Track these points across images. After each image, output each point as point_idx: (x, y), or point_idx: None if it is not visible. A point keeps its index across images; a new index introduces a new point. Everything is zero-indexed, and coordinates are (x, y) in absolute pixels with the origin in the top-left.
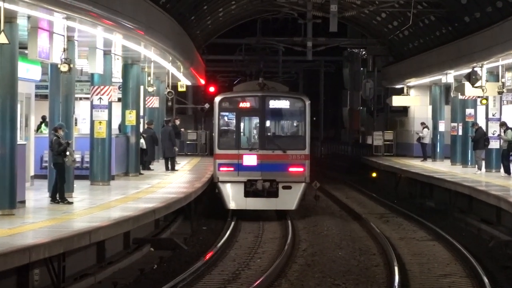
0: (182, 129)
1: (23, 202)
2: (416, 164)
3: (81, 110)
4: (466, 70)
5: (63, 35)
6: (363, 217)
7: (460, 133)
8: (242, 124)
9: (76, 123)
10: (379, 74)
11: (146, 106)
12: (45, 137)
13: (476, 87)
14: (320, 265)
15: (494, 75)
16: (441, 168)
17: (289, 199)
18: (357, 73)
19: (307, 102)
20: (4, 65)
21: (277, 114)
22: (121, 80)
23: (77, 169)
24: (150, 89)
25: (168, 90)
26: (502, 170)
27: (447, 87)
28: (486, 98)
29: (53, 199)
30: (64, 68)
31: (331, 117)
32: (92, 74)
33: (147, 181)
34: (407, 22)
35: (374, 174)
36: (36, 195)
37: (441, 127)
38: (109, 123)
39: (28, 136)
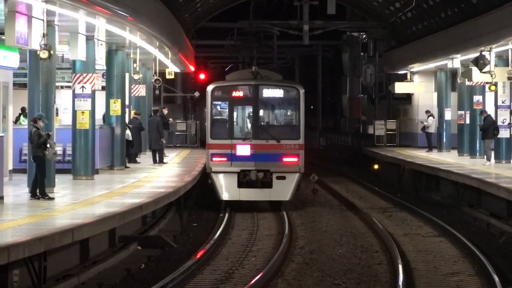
0: (171, 119)
1: (1, 198)
2: (420, 155)
3: (63, 100)
4: (473, 54)
5: (43, 20)
6: (364, 212)
7: (468, 121)
8: (235, 114)
9: (57, 113)
10: (381, 59)
11: (132, 94)
12: (24, 129)
13: (484, 72)
14: (319, 263)
15: (503, 60)
16: (447, 159)
17: (283, 190)
18: (357, 59)
19: (301, 91)
20: None
21: (271, 103)
22: (105, 68)
23: (59, 162)
24: (136, 77)
25: (155, 77)
26: None
27: (453, 73)
28: (495, 84)
29: (33, 195)
30: (43, 54)
31: (329, 105)
32: (74, 61)
33: (134, 175)
34: (410, 3)
35: (376, 166)
36: (15, 191)
37: (447, 115)
38: (93, 113)
39: (6, 128)
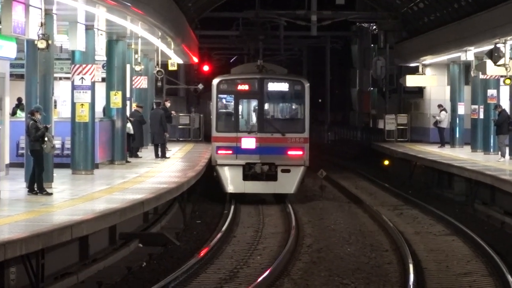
0: (173, 112)
1: None
2: (433, 151)
3: (61, 91)
4: (487, 47)
5: (41, 8)
6: (374, 209)
7: (482, 116)
8: (240, 107)
9: (55, 105)
10: (392, 51)
11: (133, 86)
12: (21, 121)
13: (498, 65)
14: (327, 262)
15: None
16: (460, 155)
17: (288, 183)
18: (367, 50)
19: (306, 85)
20: None
21: (276, 96)
22: (105, 58)
23: (57, 156)
24: (137, 68)
25: (158, 69)
26: None
27: (466, 66)
28: (510, 78)
29: (31, 190)
30: (41, 44)
31: (338, 99)
32: (73, 52)
33: (135, 170)
34: None
35: (386, 162)
36: (12, 186)
37: (460, 109)
38: (92, 106)
39: (2, 120)
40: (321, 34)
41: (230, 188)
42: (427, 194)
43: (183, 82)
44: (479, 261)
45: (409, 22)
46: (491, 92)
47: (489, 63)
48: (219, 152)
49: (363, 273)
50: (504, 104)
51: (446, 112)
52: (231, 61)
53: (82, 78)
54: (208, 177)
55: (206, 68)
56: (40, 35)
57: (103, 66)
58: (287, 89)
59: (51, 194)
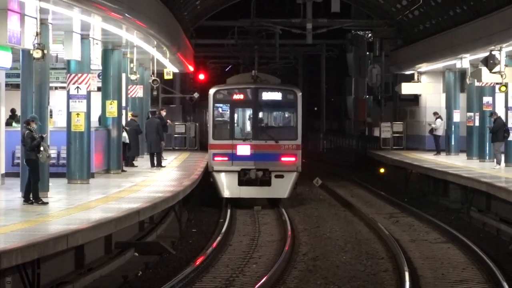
0: (169, 121)
1: None
2: (428, 159)
3: (57, 101)
4: (483, 54)
5: (36, 18)
6: (370, 217)
7: (477, 123)
8: (235, 115)
9: (51, 115)
10: (387, 59)
11: (129, 95)
12: (17, 131)
13: (494, 72)
14: (323, 270)
15: None
16: (456, 162)
17: (281, 188)
18: (362, 58)
19: (299, 94)
20: None
21: (270, 105)
22: (100, 67)
23: (53, 166)
24: (133, 77)
25: (153, 78)
26: None
27: (462, 73)
28: (506, 85)
29: (26, 200)
30: (37, 54)
31: (334, 107)
32: (69, 61)
33: (131, 179)
34: (417, 1)
35: (382, 170)
36: (8, 195)
37: (456, 117)
38: (88, 115)
39: None
40: (316, 42)
41: (226, 193)
42: (422, 201)
43: (179, 91)
44: (475, 269)
45: (404, 30)
46: (486, 99)
47: (484, 70)
48: (216, 158)
49: (359, 281)
50: (500, 112)
51: (442, 119)
52: (226, 70)
53: (77, 87)
54: (204, 185)
55: (201, 76)
56: (36, 45)
57: (98, 76)
58: (280, 98)
59: (46, 203)
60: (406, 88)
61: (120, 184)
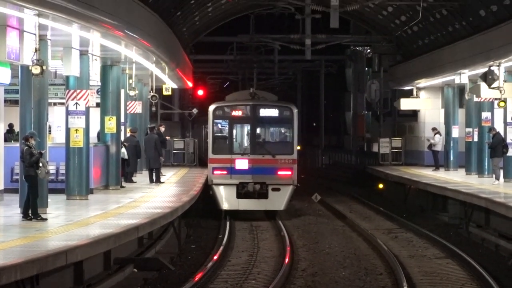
0: (168, 137)
1: None
2: (427, 174)
3: (56, 117)
4: (482, 70)
5: (35, 34)
6: (369, 233)
7: (476, 139)
8: (234, 131)
9: (50, 131)
10: (386, 74)
11: (128, 111)
12: (15, 147)
13: (493, 88)
14: (322, 286)
15: None
16: (455, 178)
17: (278, 200)
18: (361, 74)
19: (295, 111)
20: None
21: (267, 121)
22: (99, 83)
23: (52, 182)
24: (131, 93)
25: (152, 94)
26: None
27: (461, 89)
28: (504, 101)
29: (25, 216)
30: (36, 70)
31: (333, 122)
32: (67, 77)
33: (129, 195)
34: (416, 16)
35: (380, 186)
36: (6, 211)
37: (455, 132)
38: (87, 131)
39: None
40: (315, 58)
41: (225, 205)
42: (421, 217)
43: (178, 107)
44: (474, 284)
45: (403, 46)
46: (485, 115)
47: (483, 86)
48: (215, 172)
49: None
50: (498, 127)
51: (440, 135)
52: (224, 86)
53: (76, 103)
54: (203, 200)
55: (200, 92)
56: (35, 61)
57: (97, 91)
58: (277, 115)
59: (45, 219)
60: (405, 104)
61: (119, 200)
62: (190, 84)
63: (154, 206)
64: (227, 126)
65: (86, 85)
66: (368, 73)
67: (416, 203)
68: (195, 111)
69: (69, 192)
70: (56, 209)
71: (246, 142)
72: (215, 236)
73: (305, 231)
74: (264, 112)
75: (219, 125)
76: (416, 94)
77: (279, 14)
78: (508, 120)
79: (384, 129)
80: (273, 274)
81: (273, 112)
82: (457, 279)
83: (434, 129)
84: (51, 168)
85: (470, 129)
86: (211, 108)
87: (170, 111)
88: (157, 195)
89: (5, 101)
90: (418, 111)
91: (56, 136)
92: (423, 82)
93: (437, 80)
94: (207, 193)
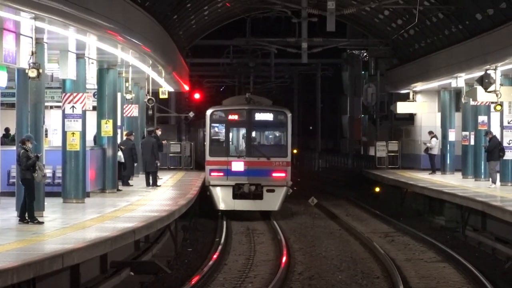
0: (165, 141)
1: None
2: (423, 178)
3: (52, 120)
4: (478, 73)
5: (31, 37)
6: (365, 236)
7: (472, 142)
8: (230, 134)
9: (46, 134)
10: (382, 78)
11: (124, 115)
12: (12, 150)
13: (489, 91)
14: None
15: (509, 79)
16: (451, 181)
17: (272, 201)
18: (357, 77)
19: (289, 115)
20: None
21: (262, 125)
22: (96, 87)
23: (48, 185)
24: (128, 96)
25: (149, 97)
26: None
27: (457, 92)
28: (501, 104)
29: (22, 219)
30: (32, 73)
31: (329, 126)
32: (64, 80)
33: (126, 198)
34: (412, 20)
35: (377, 189)
36: (3, 215)
37: (451, 136)
38: (83, 134)
39: None
40: (311, 61)
41: (221, 206)
42: (418, 221)
43: (174, 110)
44: None
45: (399, 49)
46: (481, 118)
47: (479, 89)
48: (212, 174)
49: None
50: (495, 131)
51: (437, 138)
52: (221, 89)
53: (73, 106)
54: (200, 202)
55: (197, 96)
56: (31, 64)
57: (94, 95)
58: (271, 119)
59: (42, 223)
60: (401, 107)
61: (115, 203)
62: (186, 88)
63: (151, 209)
64: (224, 130)
65: (82, 89)
66: (365, 77)
67: (413, 206)
68: (191, 114)
69: (65, 195)
70: (52, 213)
71: (242, 145)
72: (212, 239)
73: (301, 235)
74: (259, 116)
75: (216, 129)
76: (413, 98)
77: (276, 18)
78: (505, 123)
79: (380, 132)
80: (270, 277)
81: (268, 116)
82: (453, 282)
83: (430, 132)
84: (48, 172)
85: (467, 133)
86: (209, 112)
87: (167, 115)
88: (153, 199)
89: (2, 104)
90: (415, 114)
91: (52, 140)
92: (419, 86)
93: (434, 84)
94: (203, 196)
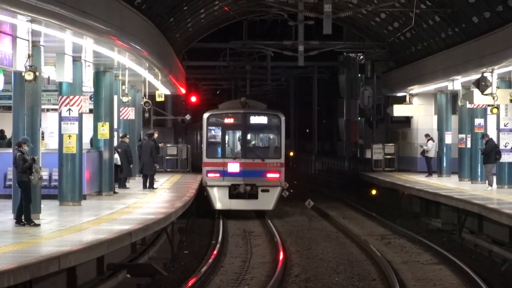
0: (161, 144)
1: None
2: (420, 180)
3: (49, 123)
4: (474, 76)
5: (28, 40)
6: (362, 239)
7: (469, 145)
8: (226, 137)
9: (43, 137)
10: (379, 81)
11: (121, 117)
12: (8, 153)
13: (486, 94)
14: None
15: (505, 81)
16: (448, 184)
17: (267, 201)
18: (354, 80)
19: (282, 118)
20: None
21: (257, 128)
22: (92, 89)
23: (45, 187)
24: (124, 99)
25: (145, 100)
26: None
27: (454, 95)
28: (497, 107)
29: (18, 221)
30: (29, 76)
31: (326, 128)
32: (60, 83)
33: (123, 201)
34: (409, 23)
35: (373, 192)
36: None
37: (448, 139)
38: (80, 137)
39: None
40: (308, 64)
41: (218, 205)
42: (414, 223)
43: (171, 113)
44: None
45: (396, 52)
46: (478, 121)
47: (476, 92)
48: (209, 175)
49: None
50: (491, 133)
51: (433, 141)
52: (217, 92)
53: (69, 109)
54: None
55: (193, 99)
56: (28, 67)
57: (90, 98)
58: (266, 122)
59: (38, 225)
60: (398, 110)
61: (112, 206)
62: (183, 90)
63: (147, 212)
64: (220, 133)
65: (79, 91)
66: (361, 80)
67: (409, 209)
68: (188, 117)
69: (62, 198)
70: (49, 215)
71: (237, 147)
72: (208, 242)
73: (298, 237)
74: (254, 120)
75: (213, 132)
76: (409, 101)
77: (272, 21)
78: (501, 126)
79: (377, 135)
80: (266, 279)
81: (263, 120)
82: (450, 285)
83: (427, 135)
84: (44, 174)
85: (463, 136)
86: (205, 115)
87: (163, 117)
88: (150, 201)
89: None
90: (411, 117)
91: (49, 142)
92: (416, 89)
93: (430, 87)
94: (200, 197)
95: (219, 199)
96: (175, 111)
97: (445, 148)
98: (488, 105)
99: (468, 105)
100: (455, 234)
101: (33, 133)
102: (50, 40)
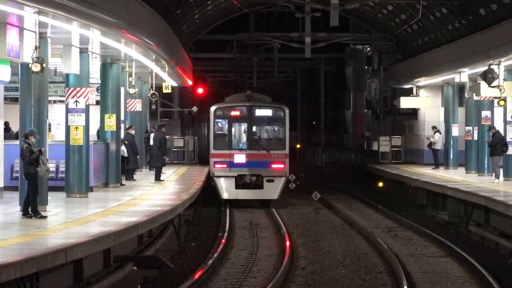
0: (169, 136)
1: None
2: (427, 172)
3: (55, 115)
4: (481, 68)
5: (35, 32)
6: (368, 231)
7: (476, 137)
8: (233, 129)
9: (49, 128)
10: (386, 73)
11: (128, 109)
12: (15, 145)
13: (493, 86)
14: (321, 284)
15: None
16: (454, 176)
17: (272, 190)
18: (361, 72)
19: (287, 111)
20: None
21: (262, 120)
22: (99, 81)
23: (51, 179)
24: (131, 91)
25: (152, 91)
26: None
27: (460, 87)
28: (504, 99)
29: (25, 213)
30: (36, 68)
31: (332, 120)
32: (67, 75)
33: (129, 193)
34: (416, 15)
35: (380, 184)
36: (6, 209)
37: (455, 131)
38: (87, 129)
39: None
40: (315, 56)
41: (225, 195)
42: (421, 215)
43: (178, 105)
44: (474, 283)
45: (403, 44)
46: (485, 113)
47: (483, 84)
48: (216, 166)
49: None
50: (498, 126)
51: (440, 133)
52: (224, 84)
53: (76, 101)
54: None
55: (200, 90)
56: (35, 58)
57: (97, 89)
58: (271, 114)
59: (45, 217)
60: (405, 102)
61: (118, 198)
62: (190, 82)
63: (154, 204)
64: (227, 125)
65: (86, 83)
66: (368, 72)
67: (416, 201)
68: (195, 109)
69: (69, 190)
70: (56, 207)
71: (243, 139)
72: (215, 234)
73: (304, 229)
74: (259, 112)
75: (219, 124)
76: (416, 93)
77: (279, 13)
78: (508, 118)
79: (383, 127)
80: (273, 272)
81: (268, 112)
82: (456, 277)
83: (434, 127)
84: (51, 166)
85: (470, 128)
86: (212, 108)
87: (170, 109)
88: (157, 193)
89: (5, 98)
90: (418, 109)
91: (56, 134)
92: (423, 81)
93: (437, 79)
94: (206, 189)
95: (226, 189)
96: (182, 103)
97: (452, 141)
98: (495, 97)
99: (475, 97)
100: (461, 226)
101: (40, 125)
102: (57, 32)
